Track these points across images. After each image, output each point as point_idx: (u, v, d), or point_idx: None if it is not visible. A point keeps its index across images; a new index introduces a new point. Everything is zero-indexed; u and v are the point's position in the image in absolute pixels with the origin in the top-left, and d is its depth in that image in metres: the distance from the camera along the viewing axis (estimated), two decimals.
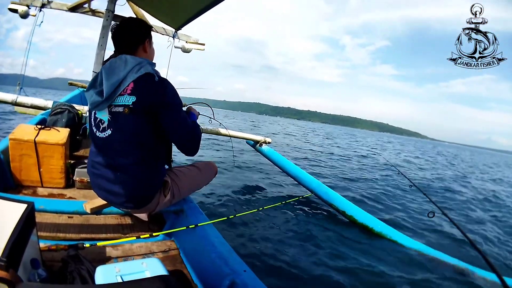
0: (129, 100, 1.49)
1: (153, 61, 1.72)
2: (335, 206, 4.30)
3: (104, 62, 1.69)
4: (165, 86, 1.55)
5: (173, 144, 1.78)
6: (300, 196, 4.68)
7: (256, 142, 5.04)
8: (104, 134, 1.57)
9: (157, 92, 1.51)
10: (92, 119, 1.64)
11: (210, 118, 2.51)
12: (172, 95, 1.57)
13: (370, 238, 3.84)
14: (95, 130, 1.62)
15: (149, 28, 1.74)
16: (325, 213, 4.57)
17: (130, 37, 1.64)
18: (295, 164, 5.02)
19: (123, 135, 1.53)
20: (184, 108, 1.88)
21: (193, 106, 2.06)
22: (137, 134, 1.54)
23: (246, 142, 5.25)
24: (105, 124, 1.56)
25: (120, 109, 1.51)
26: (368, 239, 3.81)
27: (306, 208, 4.64)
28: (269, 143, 5.10)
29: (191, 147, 1.75)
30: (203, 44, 5.07)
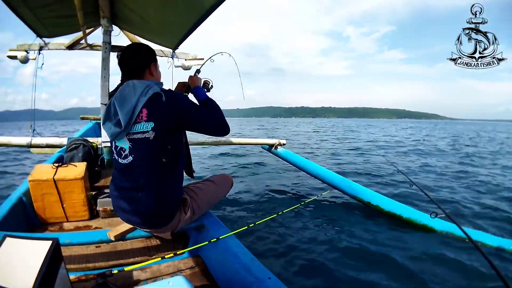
0: (147, 126, 1.55)
1: (161, 81, 1.77)
2: (359, 198, 4.25)
3: (113, 92, 1.75)
4: (173, 100, 1.59)
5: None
6: (318, 194, 4.65)
7: (271, 145, 5.07)
8: (127, 161, 1.63)
9: (170, 111, 1.56)
10: (113, 148, 1.71)
11: (211, 85, 2.43)
12: (182, 104, 1.61)
13: (399, 226, 3.77)
14: (117, 157, 1.68)
15: (153, 51, 1.79)
16: (346, 207, 4.53)
17: (135, 62, 1.70)
18: (313, 162, 5.01)
19: (145, 159, 1.59)
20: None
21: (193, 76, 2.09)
22: (159, 157, 1.59)
23: (261, 147, 5.28)
24: (127, 152, 1.62)
25: (140, 135, 1.57)
26: (397, 227, 3.75)
27: (326, 207, 4.63)
28: (284, 144, 5.12)
29: (220, 127, 1.74)
30: (202, 59, 5.12)
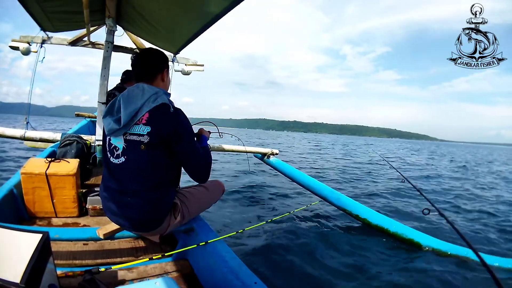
0: (144, 130, 1.56)
1: (169, 91, 1.80)
2: (348, 211, 4.26)
3: (111, 91, 1.75)
4: (179, 117, 1.62)
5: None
6: (308, 204, 4.67)
7: (264, 154, 5.09)
8: (118, 161, 1.62)
9: (171, 123, 1.58)
10: (107, 145, 1.71)
11: (220, 133, 2.56)
12: (185, 126, 1.64)
13: (386, 239, 3.80)
14: (109, 155, 1.68)
15: (167, 58, 1.82)
16: (335, 219, 4.56)
17: (150, 66, 1.73)
18: (304, 172, 5.03)
19: (136, 164, 1.59)
20: (195, 129, 1.94)
21: (202, 126, 2.12)
22: (151, 165, 1.60)
23: (254, 156, 5.29)
24: (119, 151, 1.62)
25: (135, 137, 1.57)
26: (384, 240, 3.78)
27: (314, 217, 4.65)
28: (276, 154, 5.14)
29: (202, 175, 1.80)
30: (202, 65, 5.16)
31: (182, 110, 1.68)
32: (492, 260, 3.22)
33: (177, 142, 1.61)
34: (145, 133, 1.56)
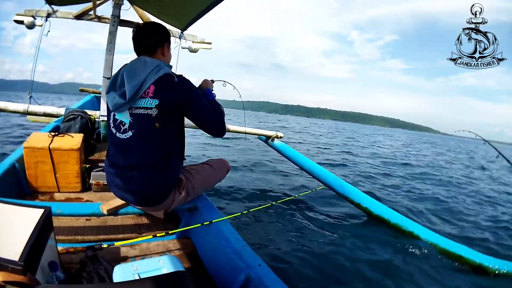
0: (152, 103, 1.54)
1: (170, 64, 1.78)
2: (350, 199, 4.25)
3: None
4: (185, 85, 1.61)
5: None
6: (313, 189, 4.65)
7: (268, 137, 5.03)
8: (125, 136, 1.61)
9: (178, 93, 1.57)
10: (112, 121, 1.68)
11: (224, 81, 2.45)
12: (192, 91, 1.64)
13: (386, 229, 3.79)
14: (114, 131, 1.66)
15: (168, 32, 1.80)
16: (339, 205, 4.54)
17: (150, 40, 1.70)
18: (308, 158, 4.99)
19: (144, 138, 1.58)
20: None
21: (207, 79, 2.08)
22: (159, 138, 1.59)
23: (258, 138, 5.24)
24: (126, 126, 1.60)
25: (143, 111, 1.55)
26: (384, 231, 3.77)
27: (319, 202, 4.63)
28: (281, 137, 5.08)
29: (218, 128, 1.82)
30: (210, 43, 5.05)
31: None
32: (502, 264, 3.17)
33: (188, 108, 1.63)
34: (153, 106, 1.54)
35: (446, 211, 5.29)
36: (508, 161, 3.28)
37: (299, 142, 15.08)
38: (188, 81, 1.64)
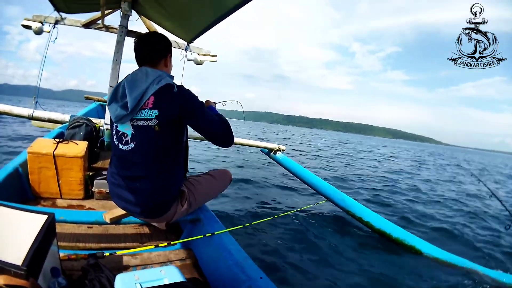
0: (151, 114, 1.53)
1: (172, 75, 1.77)
2: (352, 213, 4.24)
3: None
4: (184, 95, 1.59)
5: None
6: (315, 203, 4.62)
7: (271, 150, 5.03)
8: (127, 147, 1.60)
9: (177, 102, 1.55)
10: (114, 132, 1.68)
11: (224, 102, 2.48)
12: (193, 100, 1.62)
13: (388, 244, 3.77)
14: (117, 142, 1.66)
15: (170, 43, 1.80)
16: (340, 220, 4.51)
17: (154, 50, 1.70)
18: (310, 171, 4.98)
19: (146, 148, 1.58)
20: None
21: (209, 100, 2.09)
22: (160, 150, 1.58)
23: (261, 151, 5.24)
24: (128, 138, 1.60)
25: (144, 122, 1.55)
26: (385, 245, 3.75)
27: (321, 215, 4.60)
28: (283, 150, 5.08)
29: (225, 138, 1.79)
30: (215, 56, 5.11)
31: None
32: (499, 276, 3.15)
33: (190, 118, 1.61)
34: (153, 117, 1.53)
35: None
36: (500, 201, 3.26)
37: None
38: (188, 90, 1.63)
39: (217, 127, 1.73)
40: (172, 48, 1.87)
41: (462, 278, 3.11)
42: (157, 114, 1.53)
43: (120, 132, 1.63)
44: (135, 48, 1.72)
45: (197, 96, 1.69)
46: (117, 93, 1.63)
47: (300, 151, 16.40)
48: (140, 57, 1.71)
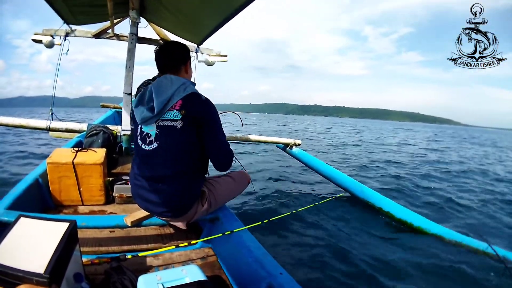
0: (178, 115, 1.61)
1: (194, 82, 1.84)
2: (371, 203, 4.21)
3: (141, 86, 1.77)
4: (210, 105, 1.68)
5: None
6: (333, 196, 4.58)
7: (286, 145, 5.03)
8: (151, 147, 1.67)
9: (203, 108, 1.64)
10: (138, 133, 1.75)
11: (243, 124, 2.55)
12: (215, 114, 1.70)
13: (410, 233, 3.72)
14: (140, 143, 1.72)
15: (188, 49, 1.87)
16: (360, 211, 4.45)
17: (173, 60, 1.79)
18: (327, 163, 4.95)
19: (169, 149, 1.64)
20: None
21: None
22: (183, 149, 1.65)
23: (276, 146, 5.24)
24: (152, 138, 1.67)
25: (169, 123, 1.62)
26: (407, 234, 3.70)
27: (340, 208, 4.55)
28: (299, 145, 5.07)
29: (226, 163, 1.84)
30: (226, 56, 5.10)
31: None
32: None
33: (207, 127, 1.66)
34: (179, 118, 1.60)
35: None
36: None
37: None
38: (214, 105, 1.71)
39: (223, 147, 1.77)
40: None
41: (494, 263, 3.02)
42: (183, 115, 1.60)
43: (145, 133, 1.71)
44: (156, 58, 1.81)
45: (219, 115, 1.76)
46: (144, 97, 1.70)
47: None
48: (162, 66, 1.80)
